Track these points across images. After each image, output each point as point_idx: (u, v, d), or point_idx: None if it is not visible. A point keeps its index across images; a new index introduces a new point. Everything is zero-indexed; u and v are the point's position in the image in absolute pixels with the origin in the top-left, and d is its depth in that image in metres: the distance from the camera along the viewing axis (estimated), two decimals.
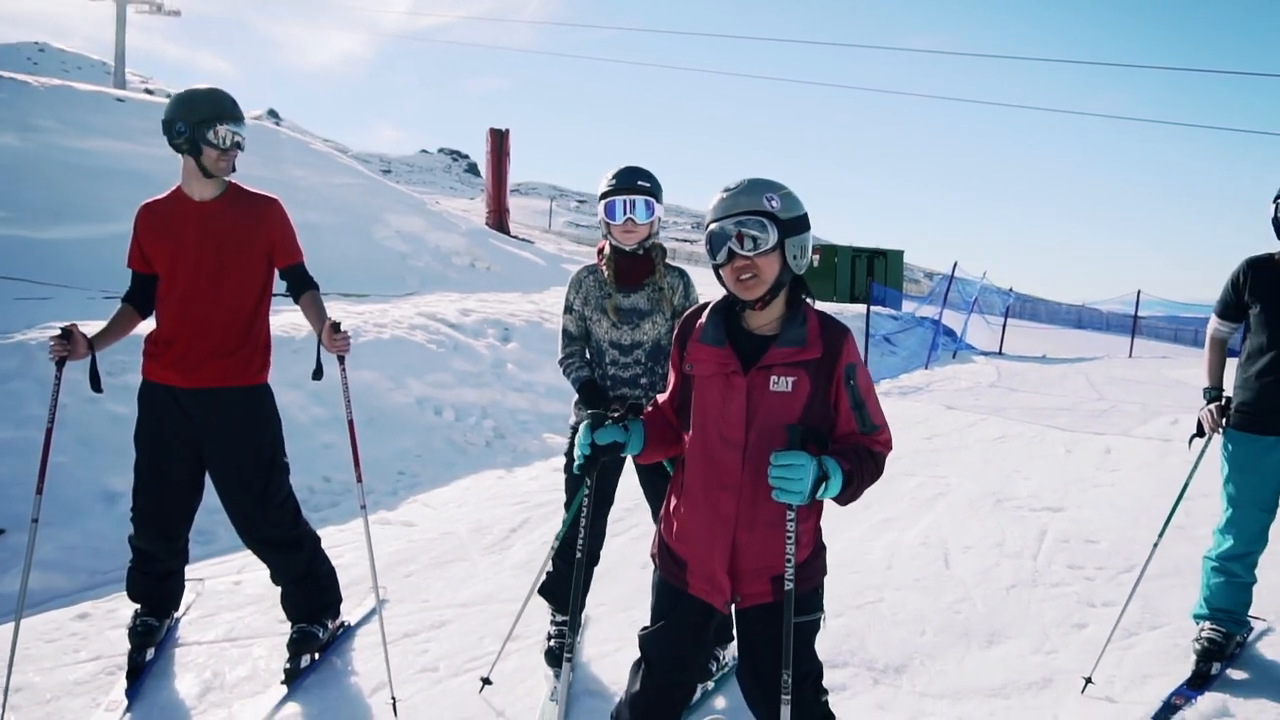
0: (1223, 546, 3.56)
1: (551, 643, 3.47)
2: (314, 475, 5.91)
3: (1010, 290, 21.14)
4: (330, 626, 3.56)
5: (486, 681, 3.30)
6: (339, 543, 4.65)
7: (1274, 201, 3.34)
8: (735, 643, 3.36)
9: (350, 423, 3.52)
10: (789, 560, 2.08)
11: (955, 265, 17.74)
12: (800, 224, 2.14)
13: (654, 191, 3.26)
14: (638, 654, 2.40)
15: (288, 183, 12.67)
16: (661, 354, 3.37)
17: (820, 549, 2.26)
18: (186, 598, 3.83)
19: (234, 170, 3.28)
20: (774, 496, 1.97)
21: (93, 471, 4.93)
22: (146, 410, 3.33)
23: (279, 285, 3.44)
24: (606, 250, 3.36)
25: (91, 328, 3.26)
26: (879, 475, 2.13)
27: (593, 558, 3.52)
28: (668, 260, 3.40)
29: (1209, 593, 3.62)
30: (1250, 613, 3.66)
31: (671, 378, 2.37)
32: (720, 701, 3.29)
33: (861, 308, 16.00)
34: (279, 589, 3.51)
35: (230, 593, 4.11)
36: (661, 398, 2.41)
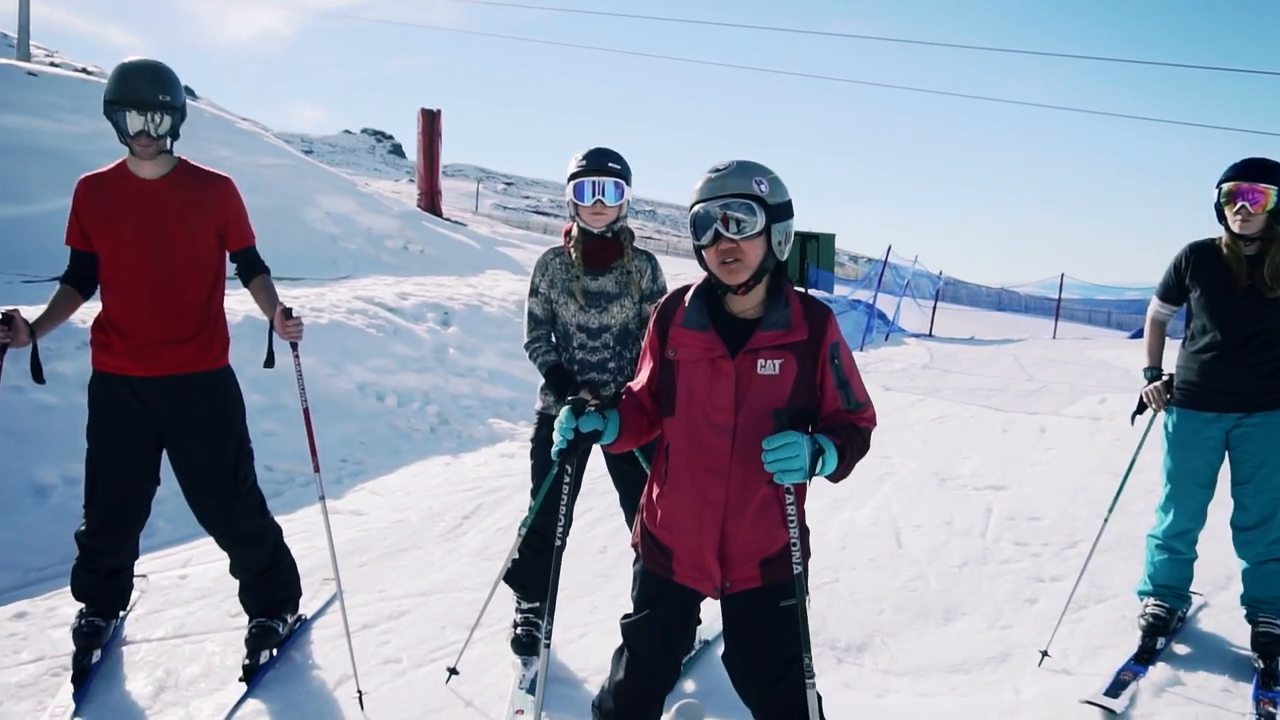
0: (1164, 524, 3.69)
1: (519, 630, 3.42)
2: (256, 464, 5.70)
3: (940, 274, 21.61)
4: (289, 620, 3.45)
5: (453, 671, 3.25)
6: (287, 534, 4.50)
7: (1217, 186, 3.45)
8: (700, 626, 3.38)
9: (305, 410, 3.43)
10: (794, 544, 2.08)
11: (889, 250, 18.04)
12: (786, 210, 2.13)
13: (624, 174, 3.22)
14: (599, 640, 2.39)
15: (212, 163, 11.80)
16: (630, 338, 3.33)
17: (807, 532, 2.28)
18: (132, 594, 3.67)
19: (160, 154, 3.03)
20: (775, 480, 1.97)
21: (22, 463, 4.68)
22: (101, 403, 3.14)
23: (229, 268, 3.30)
24: (574, 232, 3.30)
25: (30, 313, 3.01)
26: (866, 450, 2.14)
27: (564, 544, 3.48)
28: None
29: (1153, 569, 3.75)
30: (1191, 588, 3.80)
31: (647, 363, 2.33)
32: (690, 685, 3.29)
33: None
34: (237, 582, 3.39)
35: (176, 587, 3.96)
36: (636, 384, 2.36)
